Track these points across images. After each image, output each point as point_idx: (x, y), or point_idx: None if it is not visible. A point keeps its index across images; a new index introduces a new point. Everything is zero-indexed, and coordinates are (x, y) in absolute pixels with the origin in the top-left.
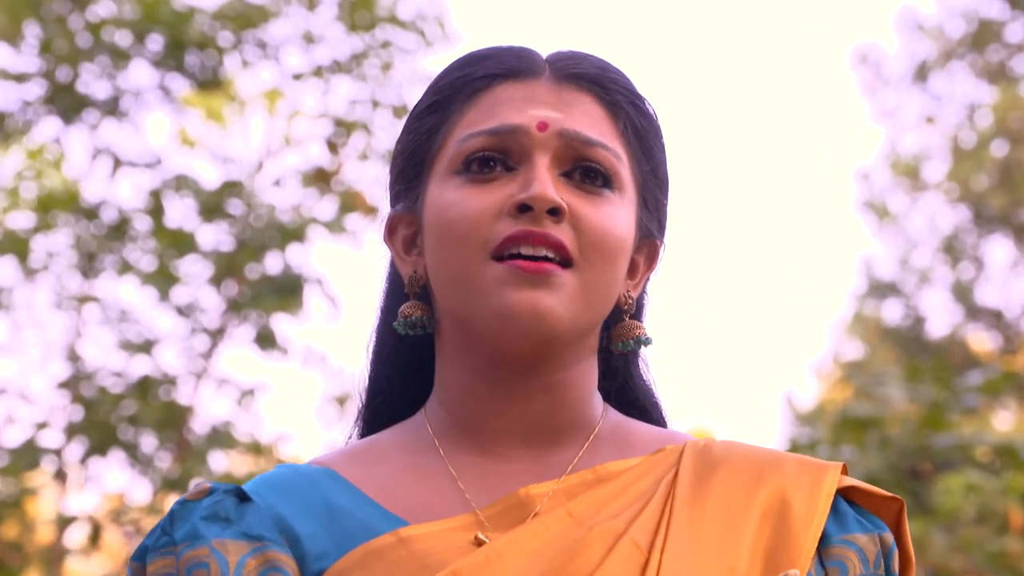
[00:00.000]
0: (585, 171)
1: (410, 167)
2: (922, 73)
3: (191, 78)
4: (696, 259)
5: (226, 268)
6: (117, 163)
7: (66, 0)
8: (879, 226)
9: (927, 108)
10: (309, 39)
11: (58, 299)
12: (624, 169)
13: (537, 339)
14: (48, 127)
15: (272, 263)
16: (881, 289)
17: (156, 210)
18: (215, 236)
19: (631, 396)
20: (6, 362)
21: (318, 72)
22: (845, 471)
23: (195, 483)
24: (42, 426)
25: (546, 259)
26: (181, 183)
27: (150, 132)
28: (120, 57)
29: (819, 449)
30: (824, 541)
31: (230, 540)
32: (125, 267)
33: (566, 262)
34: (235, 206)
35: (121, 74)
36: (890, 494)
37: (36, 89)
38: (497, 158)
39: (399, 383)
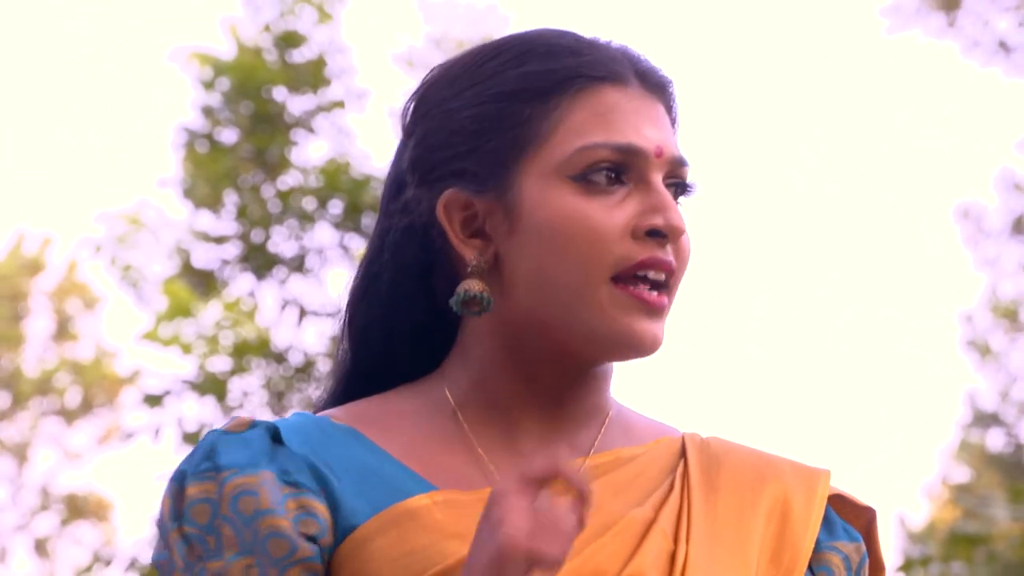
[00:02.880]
0: (676, 188)
1: (491, 150)
2: (1019, 226)
3: (367, 237)
4: (824, 393)
5: None
6: (303, 313)
7: (259, 171)
8: (982, 363)
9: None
10: None
11: None
12: None
13: (634, 358)
14: (243, 282)
15: None
16: (985, 419)
17: (336, 354)
18: None
19: None
20: None
21: None
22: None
23: (233, 416)
24: None
25: (661, 285)
26: None
27: (331, 285)
28: (306, 220)
29: (931, 564)
30: (815, 547)
31: (273, 477)
32: (310, 405)
33: (668, 284)
34: None
35: (307, 235)
36: (864, 503)
37: (233, 249)
38: (613, 170)
39: (404, 353)
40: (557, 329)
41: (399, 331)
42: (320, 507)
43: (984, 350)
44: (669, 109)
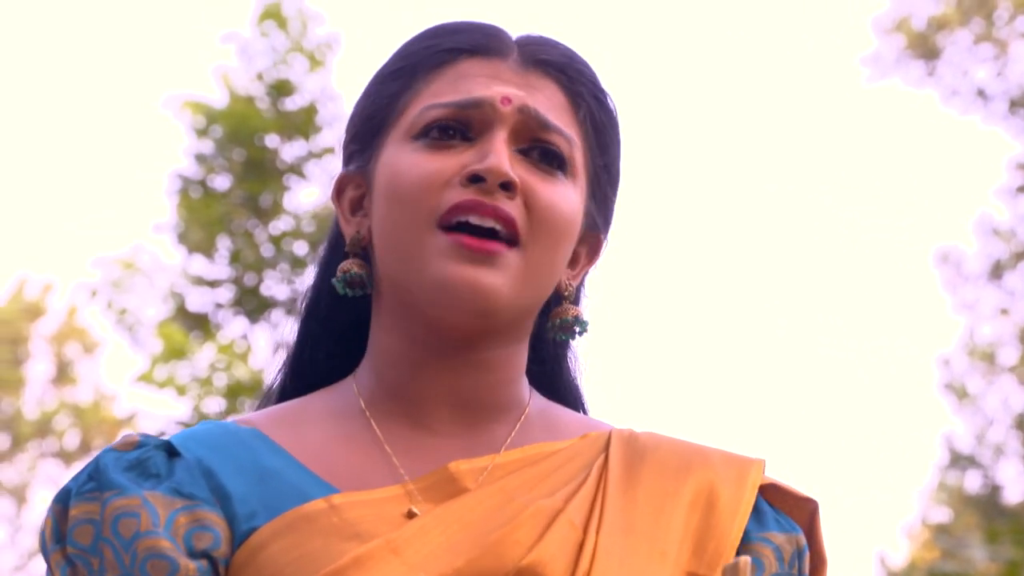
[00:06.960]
0: (543, 152)
1: (367, 129)
2: (997, 271)
3: None
4: (805, 434)
5: None
6: None
7: (252, 216)
8: (959, 405)
9: (1002, 301)
10: None
11: None
12: (579, 157)
13: (474, 313)
14: (236, 325)
15: None
16: (962, 461)
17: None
18: None
19: (557, 384)
20: None
21: None
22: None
23: (124, 434)
24: None
25: (493, 233)
26: None
27: None
28: (298, 264)
29: None
30: (743, 538)
31: (161, 495)
32: None
33: (513, 239)
34: None
35: (299, 279)
36: (805, 495)
37: (227, 293)
38: (456, 128)
39: (329, 342)
40: (406, 290)
41: (328, 318)
42: (214, 517)
43: (961, 393)
44: (568, 91)
